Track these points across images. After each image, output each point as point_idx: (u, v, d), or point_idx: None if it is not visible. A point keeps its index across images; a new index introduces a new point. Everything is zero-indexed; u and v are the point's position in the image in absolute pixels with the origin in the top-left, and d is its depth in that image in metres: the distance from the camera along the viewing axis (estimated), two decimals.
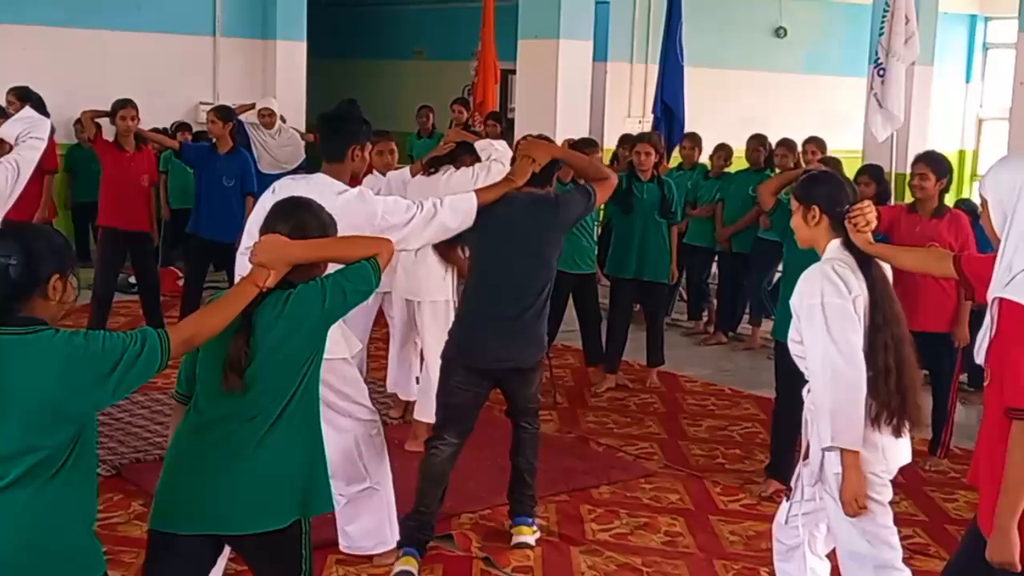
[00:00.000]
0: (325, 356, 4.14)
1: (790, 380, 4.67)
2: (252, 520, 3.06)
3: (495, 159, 5.93)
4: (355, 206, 4.21)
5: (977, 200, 7.88)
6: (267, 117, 10.52)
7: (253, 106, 10.63)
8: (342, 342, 4.47)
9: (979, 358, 3.12)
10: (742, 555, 4.98)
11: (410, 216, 4.32)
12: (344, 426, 4.49)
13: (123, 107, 8.17)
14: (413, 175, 6.23)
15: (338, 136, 4.47)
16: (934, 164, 6.17)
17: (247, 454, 3.05)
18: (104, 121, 8.37)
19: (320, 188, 4.24)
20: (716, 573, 4.80)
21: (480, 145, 6.24)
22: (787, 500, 3.84)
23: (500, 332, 4.59)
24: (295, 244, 3.11)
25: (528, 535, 4.95)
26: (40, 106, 8.65)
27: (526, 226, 4.55)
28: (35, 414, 2.61)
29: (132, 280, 9.17)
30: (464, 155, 6.05)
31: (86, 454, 2.74)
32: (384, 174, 6.56)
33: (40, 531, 2.66)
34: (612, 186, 4.92)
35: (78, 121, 10.40)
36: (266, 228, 3.17)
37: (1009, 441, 2.91)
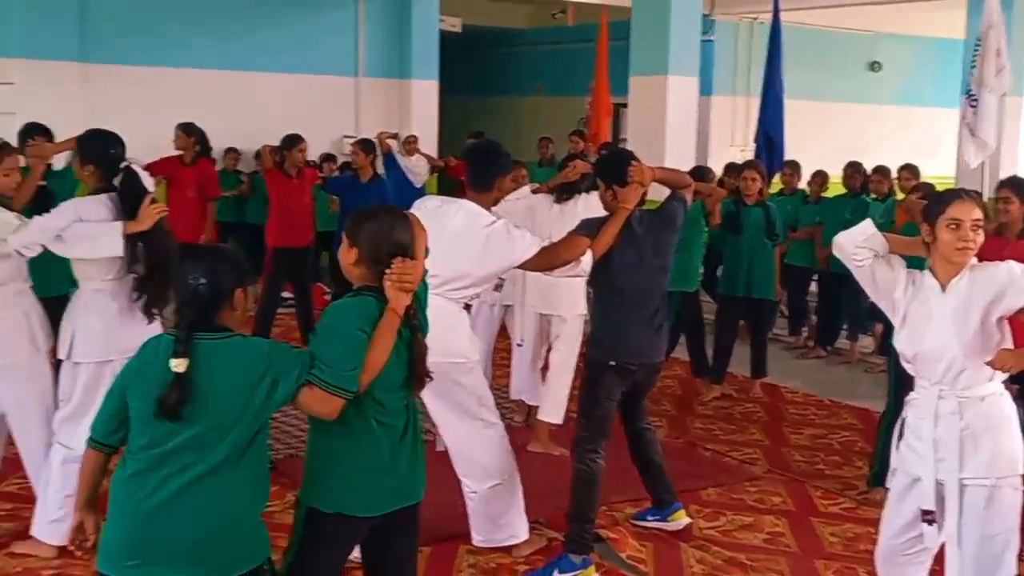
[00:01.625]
0: (461, 359, 4.23)
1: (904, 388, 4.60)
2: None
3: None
4: (500, 239, 4.32)
5: None
6: (412, 144, 10.74)
7: (396, 135, 10.84)
8: (473, 345, 4.55)
9: None
10: (841, 555, 4.88)
11: (534, 254, 4.40)
12: (473, 428, 4.53)
13: (300, 141, 8.43)
14: (534, 192, 6.37)
15: (487, 167, 4.54)
16: (1017, 188, 5.98)
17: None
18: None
19: (470, 215, 4.35)
20: (816, 571, 4.72)
21: None
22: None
23: (642, 332, 4.61)
24: (420, 264, 3.12)
25: (686, 517, 5.00)
26: (203, 140, 9.02)
27: (651, 240, 4.58)
28: (231, 409, 2.77)
29: (284, 295, 9.40)
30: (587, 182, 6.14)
31: (262, 447, 2.87)
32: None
33: (225, 514, 2.80)
34: (692, 189, 4.97)
35: (257, 154, 10.79)
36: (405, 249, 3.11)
37: None
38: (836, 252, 3.66)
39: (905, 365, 3.59)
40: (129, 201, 4.36)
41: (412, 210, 4.35)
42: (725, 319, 7.72)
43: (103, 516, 2.87)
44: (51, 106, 10.12)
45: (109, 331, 4.32)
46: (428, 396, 4.44)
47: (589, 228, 4.54)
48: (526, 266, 4.52)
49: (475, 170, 4.57)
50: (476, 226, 4.33)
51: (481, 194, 4.48)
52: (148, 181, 4.52)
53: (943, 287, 3.42)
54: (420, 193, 9.90)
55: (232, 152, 11.18)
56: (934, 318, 3.41)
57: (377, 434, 3.04)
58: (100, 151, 4.48)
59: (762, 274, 7.50)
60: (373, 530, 3.14)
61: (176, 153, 8.83)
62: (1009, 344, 3.41)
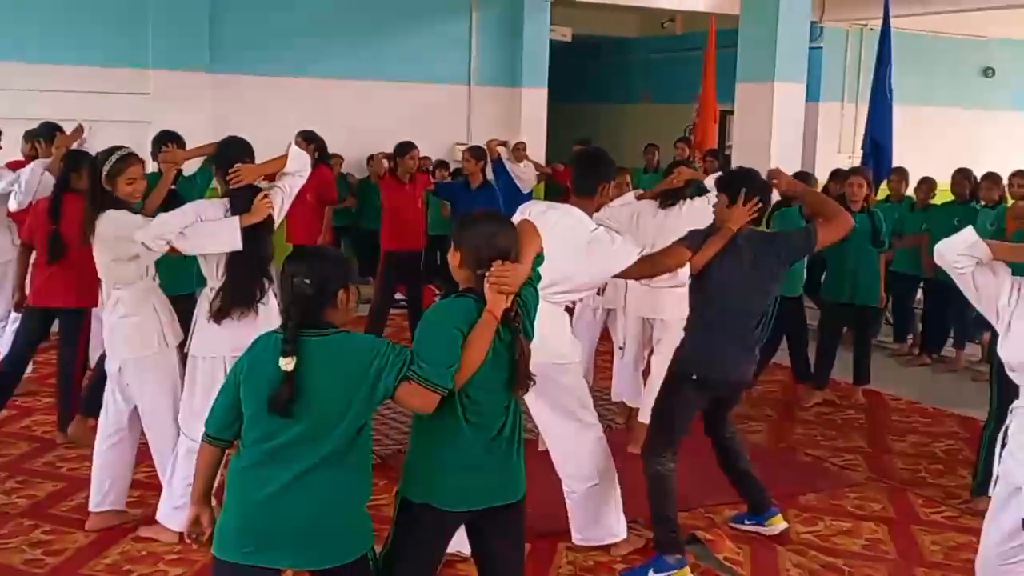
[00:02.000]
0: (565, 360, 4.27)
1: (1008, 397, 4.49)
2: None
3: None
4: (603, 246, 4.35)
5: None
6: (521, 151, 10.82)
7: (506, 143, 10.93)
8: (575, 346, 4.58)
9: None
10: (941, 564, 4.78)
11: (634, 262, 4.42)
12: (573, 429, 4.56)
13: (412, 148, 8.55)
14: (638, 199, 6.31)
15: (591, 173, 4.59)
16: None
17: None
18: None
19: (574, 219, 4.40)
20: None
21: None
22: None
23: (732, 349, 4.56)
24: (522, 268, 3.15)
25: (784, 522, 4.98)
26: (322, 147, 9.31)
27: (752, 265, 4.49)
28: (337, 404, 2.86)
29: (397, 296, 9.57)
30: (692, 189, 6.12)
31: (366, 441, 2.96)
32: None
33: (331, 505, 2.90)
34: (844, 227, 4.67)
35: (371, 159, 11.01)
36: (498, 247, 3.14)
37: None
38: (937, 260, 3.60)
39: (1010, 374, 3.50)
40: (240, 201, 4.52)
41: (518, 214, 4.43)
42: (829, 325, 7.61)
43: (219, 508, 2.99)
44: (181, 114, 10.52)
45: (224, 327, 4.47)
46: (529, 396, 4.49)
47: (693, 240, 4.53)
48: (626, 274, 4.54)
49: (580, 176, 4.61)
50: (580, 231, 4.37)
51: (585, 200, 4.52)
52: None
53: None
54: (527, 199, 9.95)
55: (336, 157, 11.37)
56: None
57: (468, 433, 3.08)
58: (235, 159, 4.64)
59: (867, 281, 7.37)
60: (473, 527, 3.19)
61: None
62: None
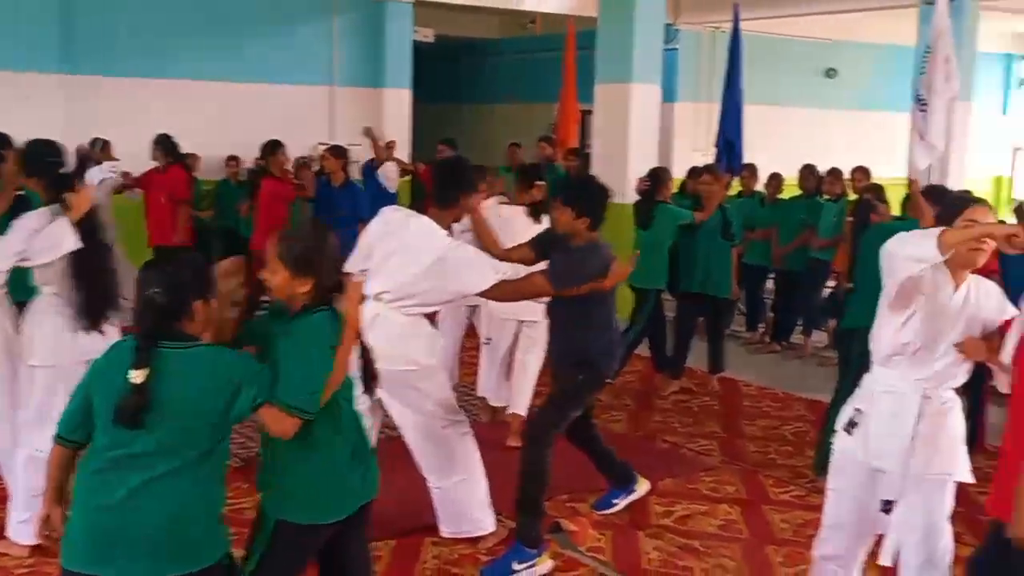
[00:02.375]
0: (414, 367, 4.23)
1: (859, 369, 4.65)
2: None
3: None
4: (458, 265, 4.29)
5: (1011, 221, 7.72)
6: (390, 149, 10.75)
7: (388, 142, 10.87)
8: (432, 350, 4.54)
9: (1006, 359, 3.08)
10: (791, 541, 4.93)
11: (485, 285, 4.37)
12: (436, 428, 4.54)
13: (281, 146, 9.01)
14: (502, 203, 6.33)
15: (451, 184, 4.48)
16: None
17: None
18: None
19: (425, 229, 4.32)
20: (766, 556, 4.76)
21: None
22: None
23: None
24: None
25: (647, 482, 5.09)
26: (172, 149, 9.17)
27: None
28: (191, 419, 2.74)
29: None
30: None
31: (222, 452, 2.85)
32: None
33: (183, 514, 2.78)
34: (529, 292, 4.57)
35: (228, 160, 10.76)
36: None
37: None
38: (889, 259, 3.40)
39: (892, 360, 3.49)
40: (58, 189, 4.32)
41: (378, 220, 4.37)
42: (683, 316, 7.75)
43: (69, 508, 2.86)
44: (31, 117, 10.08)
45: (64, 336, 4.27)
46: (389, 401, 4.46)
47: (539, 247, 4.54)
48: (484, 295, 4.48)
49: (439, 186, 4.49)
50: (434, 247, 4.29)
51: (442, 211, 4.41)
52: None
53: (956, 287, 3.41)
54: (393, 199, 9.88)
55: (192, 156, 11.08)
56: (945, 316, 3.39)
57: (338, 443, 3.03)
58: (42, 163, 4.43)
59: (719, 273, 7.52)
60: (332, 532, 3.14)
61: (154, 166, 9.12)
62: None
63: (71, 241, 4.20)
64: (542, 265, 4.61)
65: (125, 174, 9.23)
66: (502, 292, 4.45)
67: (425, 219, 4.38)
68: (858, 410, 3.57)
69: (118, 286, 4.37)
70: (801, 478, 5.78)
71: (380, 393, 4.33)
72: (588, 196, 4.49)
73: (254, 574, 3.00)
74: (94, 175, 9.02)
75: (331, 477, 3.03)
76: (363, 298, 3.05)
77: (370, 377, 3.11)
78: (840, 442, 3.61)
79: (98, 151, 9.22)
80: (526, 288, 4.46)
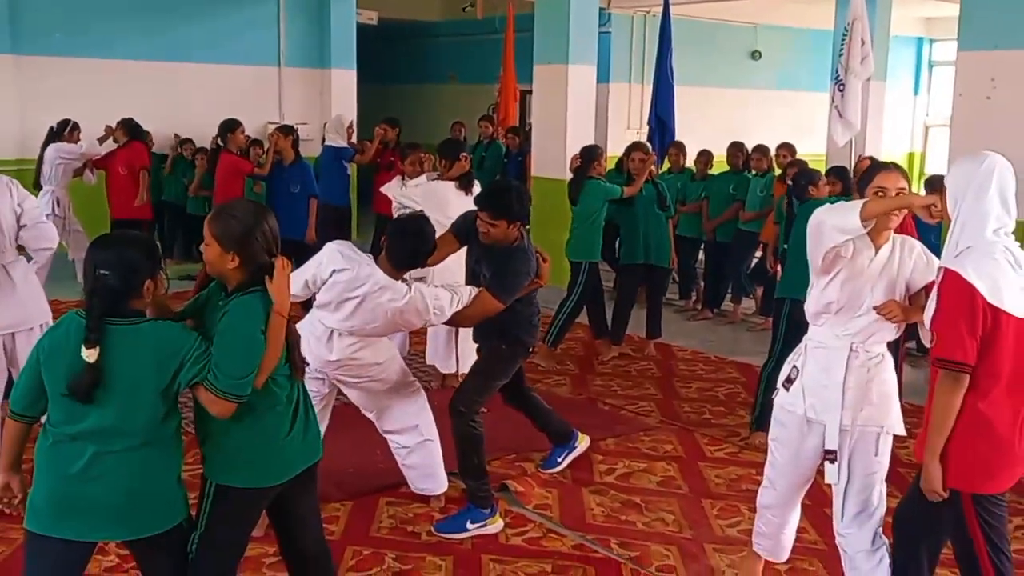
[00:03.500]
0: (380, 361, 4.37)
1: (794, 336, 4.67)
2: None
3: None
4: (411, 313, 4.19)
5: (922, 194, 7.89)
6: (350, 129, 10.60)
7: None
8: (389, 345, 4.53)
9: (928, 321, 3.15)
10: (726, 495, 5.00)
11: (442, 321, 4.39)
12: (398, 399, 4.53)
13: (239, 124, 9.08)
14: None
15: (410, 251, 4.22)
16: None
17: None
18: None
19: (381, 294, 4.14)
20: (703, 509, 4.82)
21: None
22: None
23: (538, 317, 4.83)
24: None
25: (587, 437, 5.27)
26: (132, 127, 9.13)
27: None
28: (140, 392, 2.71)
29: None
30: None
31: (174, 419, 2.82)
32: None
33: (141, 482, 2.77)
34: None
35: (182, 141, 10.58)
36: None
37: (935, 386, 2.96)
38: (814, 227, 3.42)
39: (820, 318, 3.54)
40: None
41: (344, 264, 4.13)
42: (625, 285, 7.76)
43: (28, 478, 2.83)
44: None
45: None
46: (347, 389, 4.47)
47: (501, 282, 4.41)
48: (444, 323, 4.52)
49: (398, 249, 4.19)
50: (391, 304, 4.15)
51: (397, 271, 4.20)
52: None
53: (876, 250, 3.46)
54: (345, 173, 9.77)
55: (188, 143, 10.92)
56: (865, 277, 3.44)
57: (271, 412, 2.98)
58: None
59: (658, 243, 7.56)
60: (277, 493, 3.11)
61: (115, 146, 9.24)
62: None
63: None
64: (461, 252, 4.71)
65: (88, 159, 9.12)
66: (460, 320, 4.47)
67: (376, 275, 4.14)
68: (795, 367, 3.63)
69: None
70: (734, 436, 5.87)
71: (337, 382, 4.35)
72: (516, 202, 4.37)
73: (203, 536, 2.97)
74: (50, 155, 8.84)
75: (268, 444, 2.99)
76: (288, 282, 2.94)
77: (294, 367, 3.03)
78: (780, 397, 3.66)
79: (67, 132, 9.05)
80: (479, 310, 4.37)
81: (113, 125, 9.36)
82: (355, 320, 4.17)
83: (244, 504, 3.03)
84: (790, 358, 3.70)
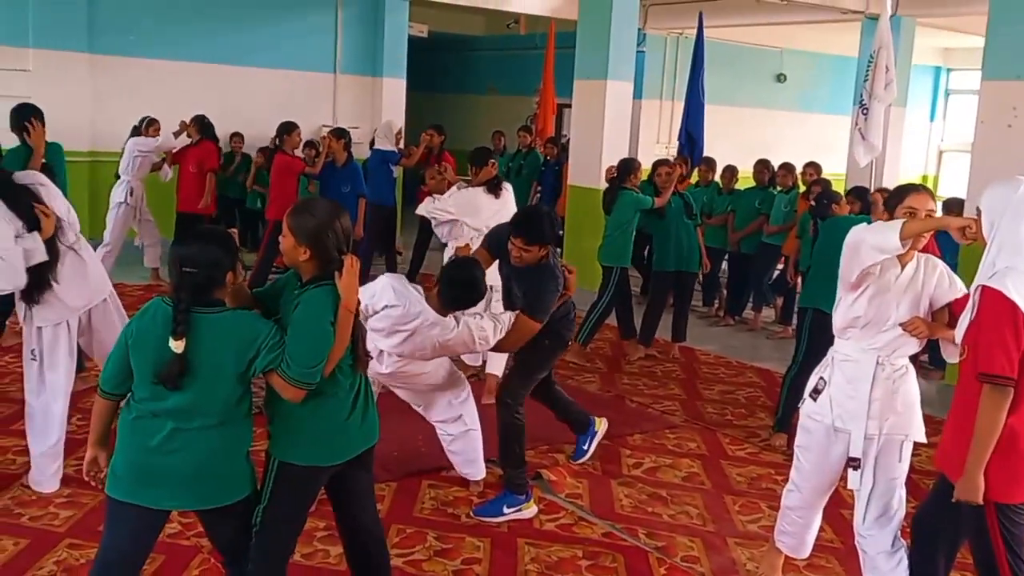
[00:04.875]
0: (429, 370, 4.42)
1: (817, 344, 4.83)
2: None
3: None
4: (458, 344, 4.22)
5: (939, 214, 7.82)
6: (399, 135, 10.62)
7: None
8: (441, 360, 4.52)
9: (959, 337, 3.11)
10: (746, 492, 4.98)
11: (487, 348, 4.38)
12: (446, 395, 4.57)
13: (296, 127, 8.97)
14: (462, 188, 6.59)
15: (461, 299, 4.18)
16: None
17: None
18: None
19: (429, 330, 4.15)
20: (725, 504, 4.80)
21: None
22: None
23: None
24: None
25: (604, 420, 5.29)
26: (206, 126, 9.33)
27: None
28: (221, 378, 2.76)
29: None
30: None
31: (246, 401, 2.86)
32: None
33: (214, 455, 2.81)
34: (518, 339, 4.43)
35: (232, 137, 10.62)
36: None
37: (980, 399, 2.92)
38: (851, 248, 3.40)
39: (847, 332, 3.51)
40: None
41: (397, 300, 4.12)
42: (656, 290, 7.75)
43: (111, 451, 2.88)
44: (62, 93, 9.93)
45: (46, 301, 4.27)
46: (399, 391, 4.51)
47: (535, 302, 4.37)
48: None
49: (449, 295, 4.16)
50: (433, 337, 4.15)
51: (444, 309, 4.18)
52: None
53: (902, 268, 3.44)
54: (391, 176, 9.79)
55: (237, 137, 11.00)
56: (891, 293, 3.42)
57: (335, 396, 3.00)
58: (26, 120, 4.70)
59: (688, 250, 7.54)
60: (336, 472, 3.13)
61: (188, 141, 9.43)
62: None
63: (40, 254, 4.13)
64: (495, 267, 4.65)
65: (165, 152, 9.32)
66: (506, 347, 4.47)
67: (431, 314, 4.13)
68: (822, 378, 3.60)
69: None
70: (754, 437, 5.83)
71: (385, 381, 4.38)
72: (549, 229, 4.34)
73: (267, 509, 3.00)
74: (129, 148, 8.98)
75: (329, 426, 3.01)
76: (356, 279, 2.96)
77: (358, 358, 3.05)
78: (807, 406, 3.63)
79: (145, 127, 9.18)
80: (521, 334, 4.37)
81: (187, 120, 9.45)
82: (405, 347, 4.18)
83: (304, 480, 3.05)
84: (817, 369, 3.67)
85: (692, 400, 6.61)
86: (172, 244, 2.85)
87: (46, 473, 4.40)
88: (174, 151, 9.33)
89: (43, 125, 5.26)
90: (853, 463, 3.49)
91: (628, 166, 7.55)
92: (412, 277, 9.82)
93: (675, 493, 4.89)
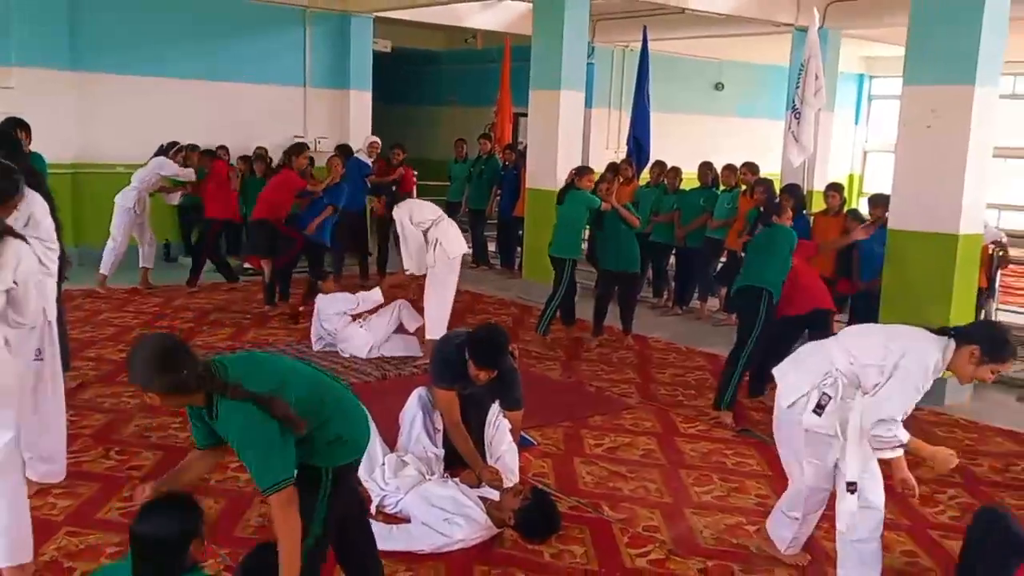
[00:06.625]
0: None
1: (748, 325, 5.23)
2: None
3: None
4: None
5: (863, 211, 7.96)
6: (375, 147, 10.55)
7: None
8: None
9: None
10: (699, 465, 5.03)
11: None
12: None
13: (305, 148, 9.00)
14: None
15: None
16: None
17: None
18: None
19: None
20: (680, 478, 4.84)
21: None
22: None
23: None
24: None
25: None
26: (211, 152, 9.30)
27: None
28: None
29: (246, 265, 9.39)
30: None
31: None
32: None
33: None
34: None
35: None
36: None
37: None
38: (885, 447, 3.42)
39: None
40: None
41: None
42: (603, 287, 7.86)
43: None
44: (46, 110, 9.71)
45: None
46: None
47: (518, 396, 4.57)
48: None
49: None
50: None
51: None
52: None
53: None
54: (364, 185, 9.87)
55: (222, 148, 10.77)
56: None
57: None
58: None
59: (627, 252, 7.58)
60: None
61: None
62: None
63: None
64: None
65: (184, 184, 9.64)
66: (516, 433, 4.60)
67: None
68: (825, 394, 3.50)
69: None
70: (703, 415, 5.89)
71: None
72: (495, 352, 4.31)
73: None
74: (152, 164, 9.03)
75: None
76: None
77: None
78: (810, 420, 3.52)
79: (172, 153, 9.41)
80: (520, 422, 4.66)
81: (183, 146, 9.65)
82: None
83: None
84: (819, 386, 3.51)
85: (646, 383, 6.66)
86: (135, 522, 2.49)
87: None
88: (191, 181, 9.60)
89: (29, 137, 5.17)
90: (851, 488, 3.42)
91: (581, 170, 7.73)
92: (382, 269, 9.88)
93: (634, 468, 4.92)
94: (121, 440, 4.99)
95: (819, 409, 3.50)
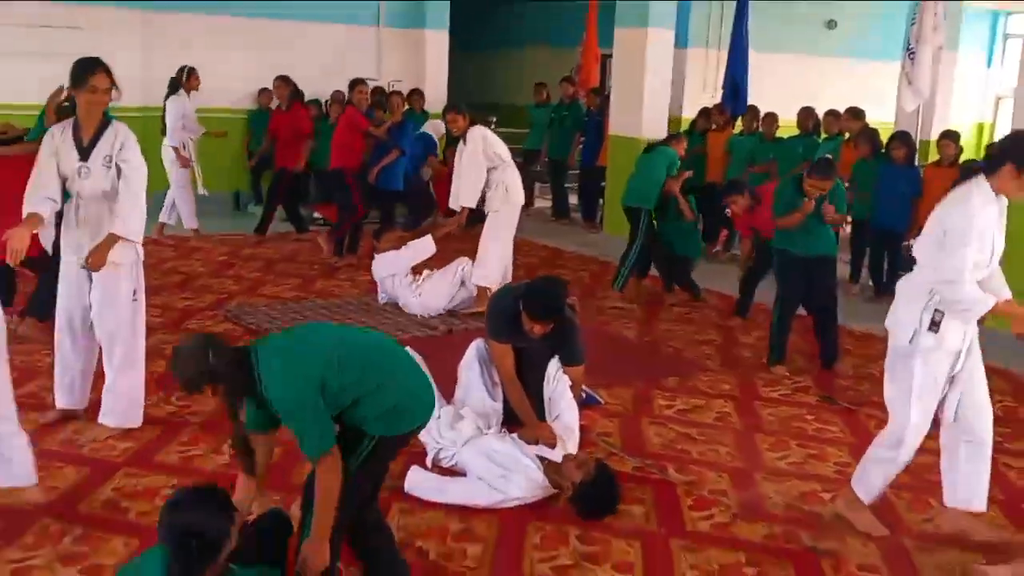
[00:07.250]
0: None
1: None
2: None
3: None
4: None
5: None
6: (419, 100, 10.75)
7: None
8: None
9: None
10: (776, 431, 5.07)
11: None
12: None
13: (361, 83, 9.02)
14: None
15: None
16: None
17: None
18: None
19: None
20: (755, 443, 4.89)
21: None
22: None
23: None
24: None
25: None
26: (297, 92, 9.56)
27: None
28: None
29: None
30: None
31: None
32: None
33: None
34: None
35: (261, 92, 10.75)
36: None
37: None
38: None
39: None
40: None
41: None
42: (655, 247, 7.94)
43: None
44: (112, 48, 10.14)
45: None
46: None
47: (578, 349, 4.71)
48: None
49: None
50: None
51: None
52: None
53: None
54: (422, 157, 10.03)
55: (265, 91, 11.16)
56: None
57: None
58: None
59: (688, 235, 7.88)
60: None
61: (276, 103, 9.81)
62: None
63: None
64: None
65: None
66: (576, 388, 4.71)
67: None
68: (937, 310, 3.62)
69: None
70: (787, 379, 5.92)
71: None
72: (549, 304, 4.49)
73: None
74: (172, 112, 9.25)
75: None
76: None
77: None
78: (927, 341, 3.65)
79: (186, 80, 9.43)
80: (582, 376, 4.80)
81: (270, 85, 9.85)
82: None
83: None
84: (927, 306, 3.64)
85: (727, 345, 6.69)
86: (163, 513, 2.59)
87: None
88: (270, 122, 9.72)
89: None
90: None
91: (674, 137, 8.06)
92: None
93: (706, 432, 4.99)
94: None
95: (934, 327, 3.62)
